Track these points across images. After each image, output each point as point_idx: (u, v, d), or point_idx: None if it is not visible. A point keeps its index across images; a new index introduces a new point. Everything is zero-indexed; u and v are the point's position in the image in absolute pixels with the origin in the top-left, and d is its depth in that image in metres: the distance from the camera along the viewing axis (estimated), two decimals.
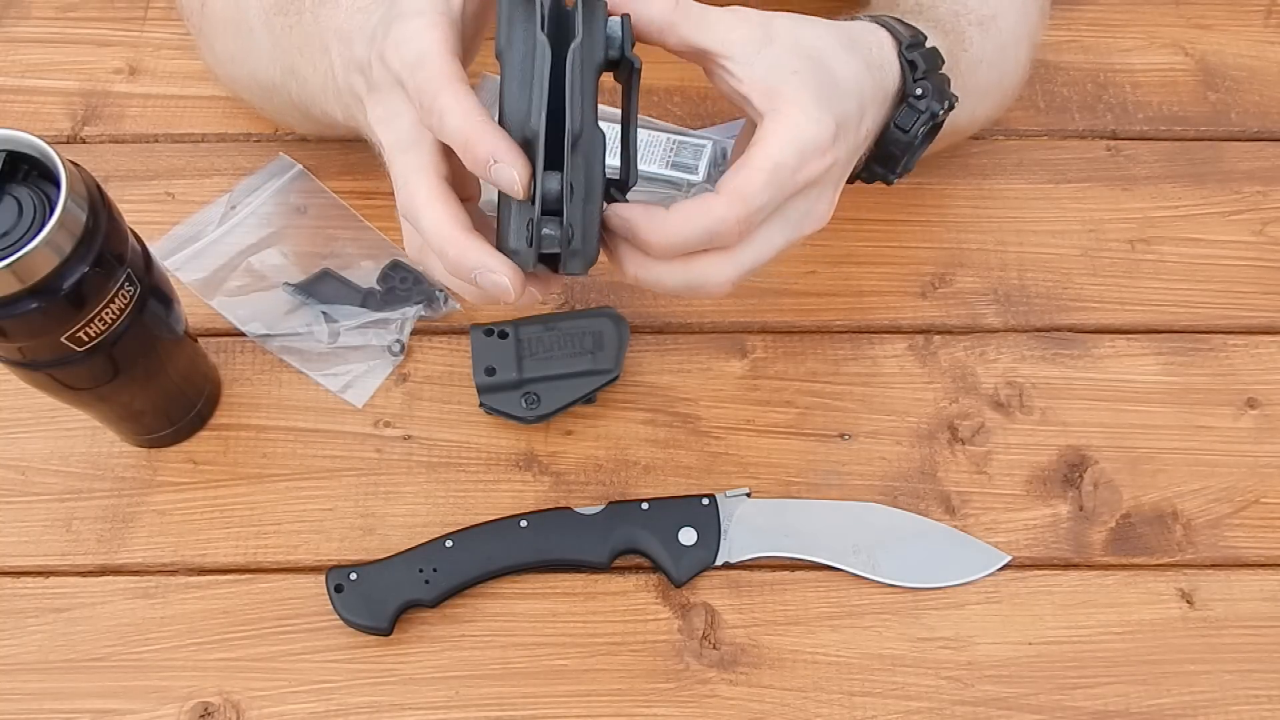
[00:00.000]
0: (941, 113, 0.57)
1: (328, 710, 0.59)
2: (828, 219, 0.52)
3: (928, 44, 0.57)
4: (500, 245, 0.47)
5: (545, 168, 0.45)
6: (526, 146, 0.45)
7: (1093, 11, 0.82)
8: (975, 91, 0.61)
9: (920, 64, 0.56)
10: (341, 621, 0.60)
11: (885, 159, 0.58)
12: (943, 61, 0.57)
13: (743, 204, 0.47)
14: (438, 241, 0.47)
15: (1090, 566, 0.64)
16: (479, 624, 0.61)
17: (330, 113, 0.58)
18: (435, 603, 0.60)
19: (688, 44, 0.50)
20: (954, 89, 0.58)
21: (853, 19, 0.58)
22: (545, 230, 0.45)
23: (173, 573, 0.63)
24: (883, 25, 0.57)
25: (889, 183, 0.60)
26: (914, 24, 0.58)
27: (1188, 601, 0.62)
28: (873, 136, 0.56)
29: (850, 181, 0.60)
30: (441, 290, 0.70)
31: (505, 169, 0.44)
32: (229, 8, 0.65)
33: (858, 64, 0.53)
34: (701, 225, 0.48)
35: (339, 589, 0.60)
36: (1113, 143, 0.77)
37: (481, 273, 0.46)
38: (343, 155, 0.75)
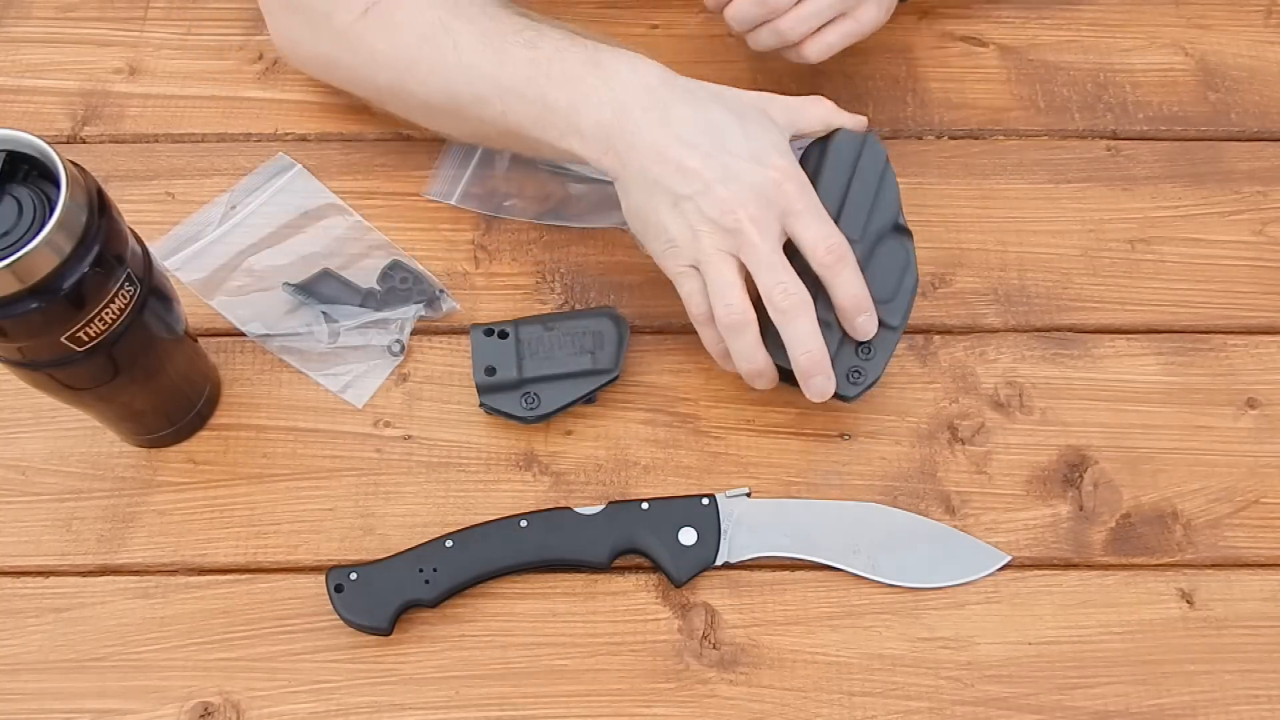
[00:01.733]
0: None
1: (328, 710, 0.59)
2: None
3: None
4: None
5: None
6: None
7: (1093, 11, 0.82)
8: None
9: None
10: (341, 621, 0.60)
11: None
12: None
13: None
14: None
15: (1090, 566, 0.64)
16: (479, 624, 0.61)
17: (577, 153, 0.61)
18: (435, 603, 0.60)
19: None
20: None
21: None
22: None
23: (173, 573, 0.63)
24: None
25: None
26: None
27: (1188, 601, 0.62)
28: None
29: None
30: (442, 289, 0.70)
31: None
32: (417, 19, 0.65)
33: None
34: None
35: (339, 589, 0.60)
36: (1113, 143, 0.77)
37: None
38: (343, 155, 0.75)
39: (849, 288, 0.60)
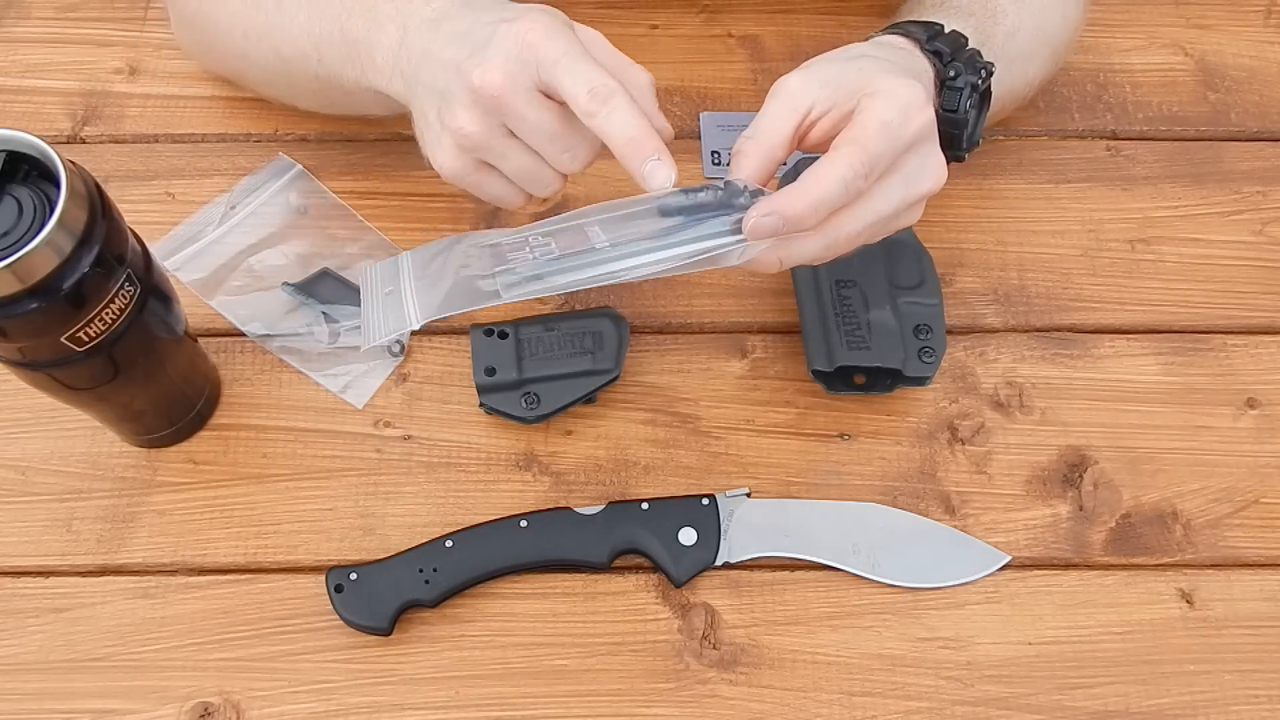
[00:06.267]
0: (981, 81, 0.60)
1: (328, 710, 0.59)
2: (944, 178, 0.55)
3: (946, 30, 0.61)
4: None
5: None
6: None
7: (1093, 11, 0.82)
8: (1019, 57, 0.65)
9: (945, 50, 0.60)
10: (341, 621, 0.60)
11: (948, 141, 0.61)
12: (965, 39, 0.61)
13: (863, 151, 0.50)
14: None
15: (1090, 566, 0.64)
16: (479, 624, 0.61)
17: (376, 85, 0.59)
18: (435, 603, 0.60)
19: (777, 150, 0.54)
20: (990, 58, 0.61)
21: (866, 39, 0.62)
22: None
23: (173, 573, 0.63)
24: (896, 34, 0.61)
25: (961, 159, 0.63)
26: (932, 18, 0.61)
27: (1188, 601, 0.62)
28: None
29: None
30: None
31: (662, 168, 0.50)
32: None
33: (894, 54, 0.58)
34: (836, 177, 0.50)
35: (339, 589, 0.60)
36: (1113, 143, 0.77)
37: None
38: (343, 155, 0.75)
39: (621, 127, 0.51)
